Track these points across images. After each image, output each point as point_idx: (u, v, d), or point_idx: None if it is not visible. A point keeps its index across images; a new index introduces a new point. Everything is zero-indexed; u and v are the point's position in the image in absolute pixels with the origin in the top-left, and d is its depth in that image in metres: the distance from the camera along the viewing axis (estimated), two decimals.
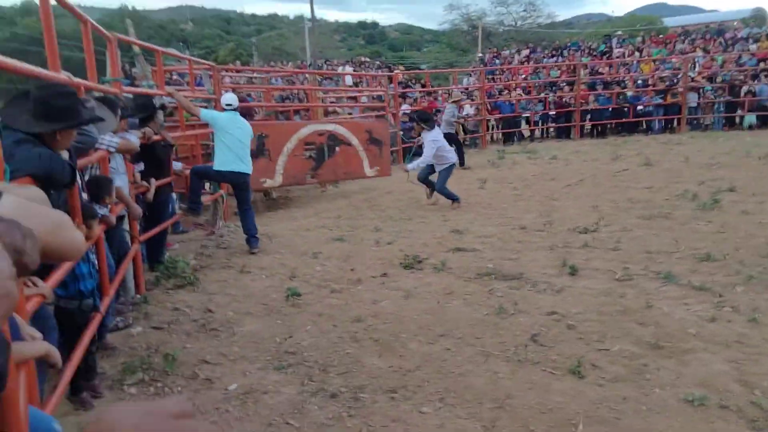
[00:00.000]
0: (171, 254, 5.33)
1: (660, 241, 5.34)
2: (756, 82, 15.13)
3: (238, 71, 15.89)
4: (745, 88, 15.09)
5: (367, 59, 31.56)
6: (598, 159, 11.32)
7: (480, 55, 29.45)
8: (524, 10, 42.20)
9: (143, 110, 4.90)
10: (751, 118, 15.00)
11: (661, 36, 24.20)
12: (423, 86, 16.62)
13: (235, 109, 5.80)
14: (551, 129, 16.54)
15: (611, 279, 4.43)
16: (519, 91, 17.11)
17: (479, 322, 3.78)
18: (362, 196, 8.81)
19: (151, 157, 4.93)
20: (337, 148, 8.63)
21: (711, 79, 15.91)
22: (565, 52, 23.41)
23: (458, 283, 4.55)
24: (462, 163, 10.74)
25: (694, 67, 16.79)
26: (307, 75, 17.32)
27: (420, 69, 30.03)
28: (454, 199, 7.51)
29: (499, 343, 3.45)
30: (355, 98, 15.35)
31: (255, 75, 15.59)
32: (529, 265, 4.88)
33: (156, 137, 4.89)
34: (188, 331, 3.81)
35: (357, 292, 4.49)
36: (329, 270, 5.10)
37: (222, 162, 5.63)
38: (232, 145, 5.60)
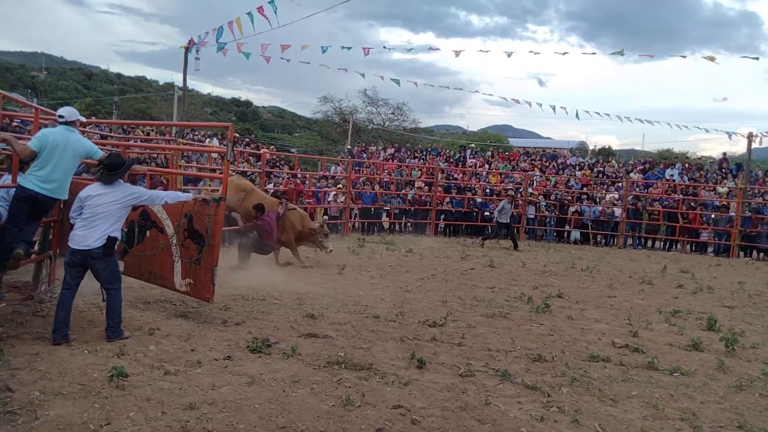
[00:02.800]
0: None
1: (499, 340, 5.68)
2: (580, 203, 17.57)
3: (90, 124, 14.75)
4: (572, 208, 17.39)
5: (237, 135, 31.36)
6: (449, 256, 12.06)
7: (349, 147, 30.80)
8: (392, 113, 45.42)
9: None
10: (576, 233, 17.26)
11: (507, 153, 27.37)
12: (291, 168, 16.80)
13: (69, 123, 5.07)
14: (409, 224, 17.45)
15: (455, 374, 4.56)
16: (382, 184, 18.01)
17: (324, 414, 3.62)
18: None
19: None
20: (147, 233, 5.98)
21: (546, 195, 18.15)
22: (426, 156, 25.37)
23: (307, 371, 4.38)
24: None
25: (532, 183, 19.08)
26: (168, 139, 16.64)
27: (290, 152, 30.49)
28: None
29: None
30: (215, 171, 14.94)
31: (111, 133, 14.62)
32: (379, 356, 4.87)
33: None
34: None
35: (195, 376, 4.10)
36: (166, 349, 4.64)
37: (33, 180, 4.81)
38: (54, 164, 4.88)
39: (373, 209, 16.63)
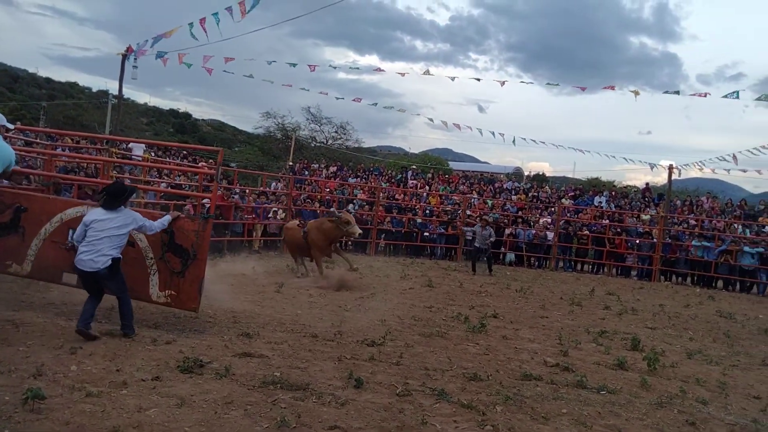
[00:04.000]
0: None
1: (437, 359, 5.73)
2: (515, 226, 18.14)
3: (24, 130, 13.91)
4: (507, 231, 17.92)
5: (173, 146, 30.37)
6: (389, 275, 12.10)
7: (291, 163, 30.54)
8: (336, 131, 45.54)
9: None
10: (511, 256, 17.78)
11: (446, 176, 27.98)
12: (230, 183, 16.42)
13: None
14: (349, 242, 17.40)
15: (393, 394, 4.55)
16: (323, 202, 17.94)
17: None
18: None
19: None
20: None
21: (481, 218, 18.61)
22: (368, 175, 25.53)
23: (241, 391, 4.24)
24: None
25: (471, 206, 19.55)
26: (99, 148, 15.92)
27: (229, 166, 29.84)
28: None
29: None
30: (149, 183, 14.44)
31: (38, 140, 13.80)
32: (316, 375, 4.80)
33: None
34: None
35: (120, 397, 3.88)
36: (88, 369, 4.37)
37: None
38: None
39: None
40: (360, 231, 10.41)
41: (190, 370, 4.55)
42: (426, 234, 17.59)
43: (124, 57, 16.63)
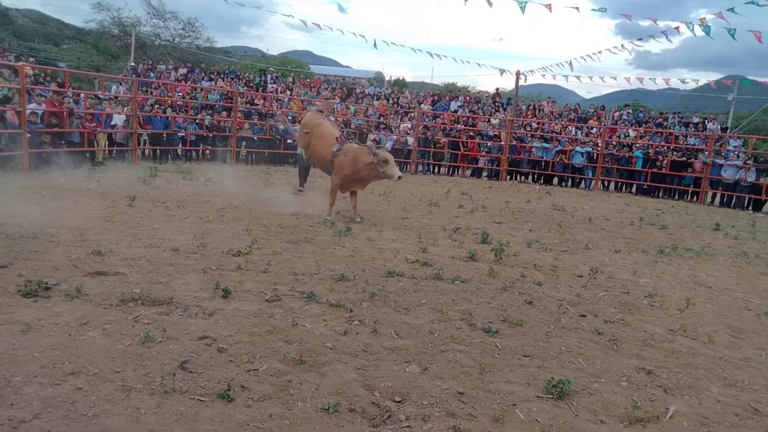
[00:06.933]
0: None
1: (305, 264, 5.84)
2: (378, 132, 18.41)
3: None
4: (371, 136, 18.14)
5: None
6: (252, 185, 11.79)
7: (133, 64, 27.36)
8: (183, 28, 41.30)
9: None
10: None
11: (308, 80, 27.10)
12: (60, 86, 14.38)
13: None
14: (208, 151, 16.49)
15: (262, 300, 4.59)
16: (175, 108, 16.58)
17: (120, 354, 3.37)
18: None
19: None
20: None
21: (346, 124, 18.59)
22: (224, 78, 23.84)
23: (97, 312, 3.99)
24: None
25: (334, 111, 19.34)
26: None
27: (57, 66, 26.01)
28: None
29: (144, 375, 3.14)
30: None
31: None
32: (180, 289, 4.65)
33: None
34: None
35: None
36: None
37: None
38: None
39: (165, 135, 15.29)
40: (401, 174, 8.35)
41: (34, 294, 4.17)
42: (290, 141, 17.19)
43: None
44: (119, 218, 7.29)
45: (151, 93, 19.04)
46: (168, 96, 18.54)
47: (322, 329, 4.09)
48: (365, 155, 8.33)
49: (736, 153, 16.74)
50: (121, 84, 19.05)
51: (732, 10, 15.49)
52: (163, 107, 16.19)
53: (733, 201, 16.00)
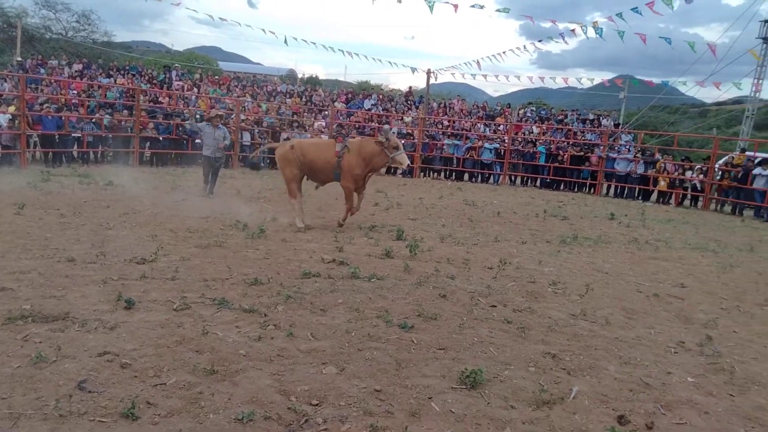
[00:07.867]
0: None
1: (215, 269, 5.63)
2: (291, 130, 18.14)
3: None
4: (284, 135, 17.84)
5: None
6: (157, 187, 11.21)
7: (19, 59, 25.12)
8: (77, 21, 38.53)
9: None
10: None
11: (217, 77, 26.17)
12: None
13: None
14: (107, 153, 15.48)
15: (170, 309, 4.37)
16: (69, 107, 15.42)
17: (8, 378, 3.08)
18: None
19: None
20: None
21: (258, 122, 18.15)
22: (124, 75, 22.47)
23: None
24: None
25: (245, 110, 18.82)
26: None
27: None
28: None
29: (35, 400, 2.89)
30: None
31: None
32: (77, 303, 4.33)
33: None
34: None
35: None
36: None
37: None
38: None
39: (58, 136, 14.18)
40: (409, 162, 8.30)
41: None
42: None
43: None
44: (5, 228, 6.67)
45: (42, 90, 17.60)
46: (61, 94, 17.22)
47: (235, 336, 3.96)
48: (371, 145, 8.13)
49: (627, 147, 18.13)
50: (6, 81, 17.45)
51: (620, 15, 16.77)
52: (55, 106, 15.01)
53: (626, 192, 17.32)
